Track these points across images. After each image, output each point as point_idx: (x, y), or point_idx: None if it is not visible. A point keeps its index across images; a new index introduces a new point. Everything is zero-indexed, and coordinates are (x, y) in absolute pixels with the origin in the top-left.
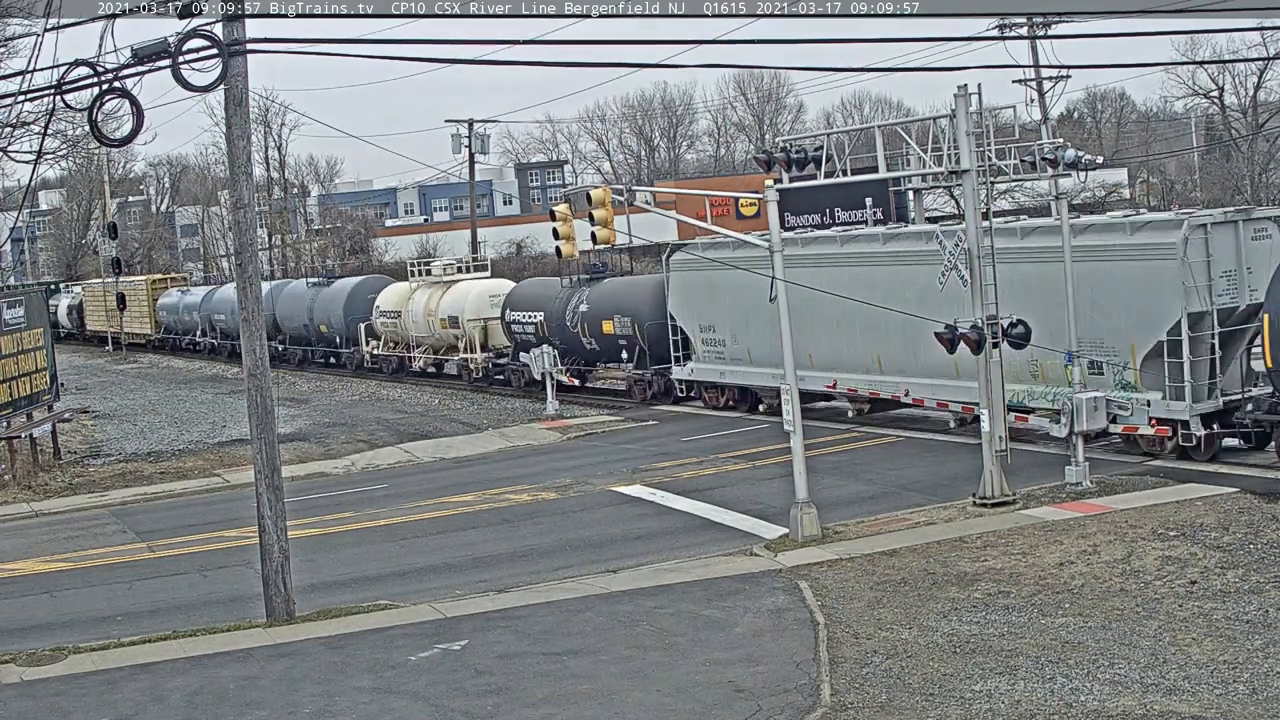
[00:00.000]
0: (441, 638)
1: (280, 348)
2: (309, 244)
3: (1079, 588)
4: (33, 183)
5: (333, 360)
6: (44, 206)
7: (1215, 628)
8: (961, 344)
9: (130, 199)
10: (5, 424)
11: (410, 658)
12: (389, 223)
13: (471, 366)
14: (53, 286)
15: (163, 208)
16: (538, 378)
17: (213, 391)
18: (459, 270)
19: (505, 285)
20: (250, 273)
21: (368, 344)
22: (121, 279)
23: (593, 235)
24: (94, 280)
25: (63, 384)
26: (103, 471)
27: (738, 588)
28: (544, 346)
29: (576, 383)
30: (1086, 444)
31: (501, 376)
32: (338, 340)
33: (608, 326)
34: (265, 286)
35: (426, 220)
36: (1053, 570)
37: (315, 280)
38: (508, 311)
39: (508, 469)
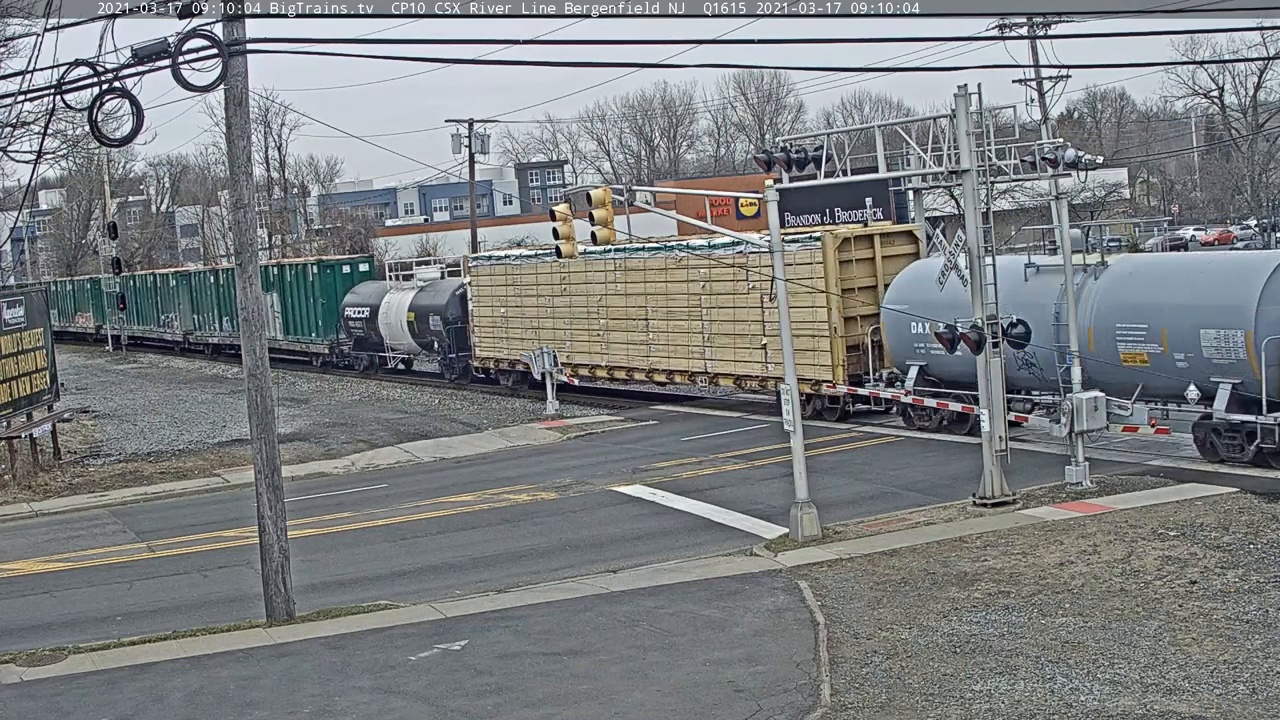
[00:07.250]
0: (441, 638)
1: None
2: (309, 244)
3: (1079, 588)
4: (33, 183)
5: None
6: (44, 206)
7: (1215, 628)
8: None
9: (130, 199)
10: (5, 424)
11: (410, 658)
12: (389, 223)
13: None
14: (352, 268)
15: (163, 208)
16: (538, 377)
17: (212, 391)
18: None
19: None
20: (250, 272)
21: None
22: (661, 243)
23: (593, 235)
24: (510, 253)
25: (63, 384)
26: (103, 471)
27: (738, 588)
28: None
29: (575, 381)
30: None
31: None
32: None
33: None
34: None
35: (426, 220)
36: (1053, 570)
37: None
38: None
39: (508, 469)
